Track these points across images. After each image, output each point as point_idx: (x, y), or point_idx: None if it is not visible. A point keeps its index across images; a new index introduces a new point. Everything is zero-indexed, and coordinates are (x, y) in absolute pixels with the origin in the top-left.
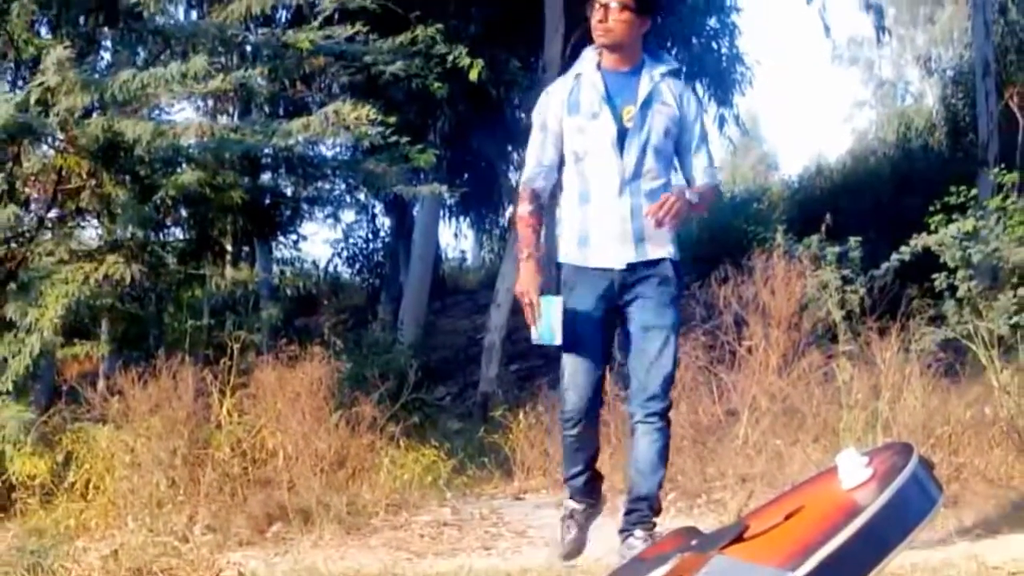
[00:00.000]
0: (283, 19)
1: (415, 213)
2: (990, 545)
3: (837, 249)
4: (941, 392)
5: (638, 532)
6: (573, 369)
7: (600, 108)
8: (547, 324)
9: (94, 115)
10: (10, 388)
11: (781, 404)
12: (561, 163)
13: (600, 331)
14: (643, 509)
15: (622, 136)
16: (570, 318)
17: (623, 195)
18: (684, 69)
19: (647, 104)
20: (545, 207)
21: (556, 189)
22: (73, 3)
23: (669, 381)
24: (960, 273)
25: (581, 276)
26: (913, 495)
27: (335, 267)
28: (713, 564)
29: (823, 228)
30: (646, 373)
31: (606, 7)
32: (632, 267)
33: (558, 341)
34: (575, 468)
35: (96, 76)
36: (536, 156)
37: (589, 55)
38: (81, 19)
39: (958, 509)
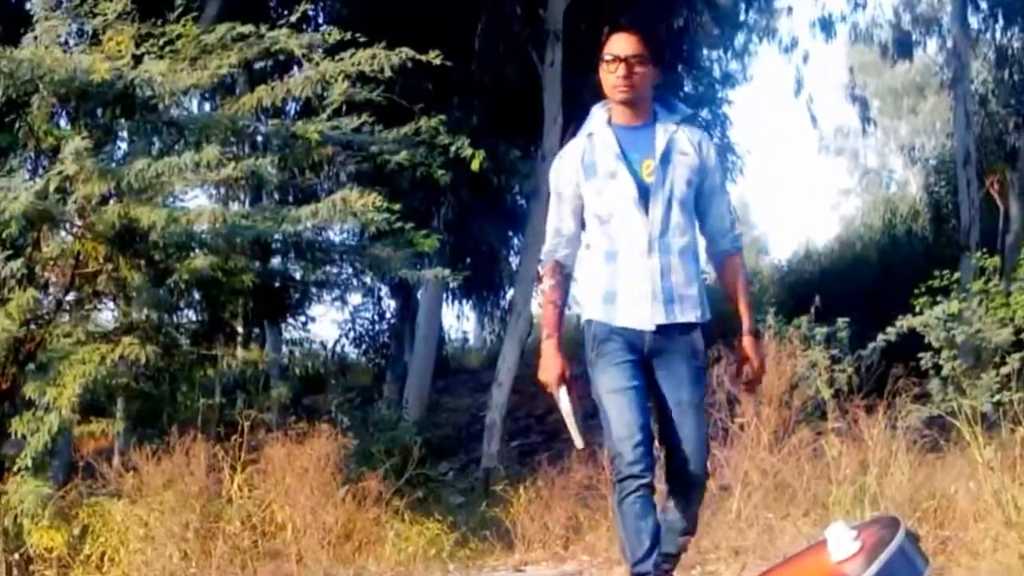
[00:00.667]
0: (293, 111)
1: (419, 296)
2: None
3: (825, 330)
4: (927, 467)
5: None
6: (620, 419)
7: (617, 167)
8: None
9: (111, 202)
10: (29, 464)
11: (772, 479)
12: (582, 228)
13: (639, 376)
14: (669, 564)
15: (644, 192)
16: (606, 369)
17: (652, 254)
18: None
19: (666, 157)
20: (571, 279)
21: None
22: (91, 96)
23: (706, 457)
24: (944, 353)
25: (608, 334)
26: (900, 567)
27: (342, 347)
28: None
29: (812, 310)
30: (680, 449)
31: (627, 62)
32: (662, 329)
33: (578, 443)
34: (642, 550)
35: (113, 165)
36: (554, 226)
37: (598, 113)
38: (99, 111)
39: None
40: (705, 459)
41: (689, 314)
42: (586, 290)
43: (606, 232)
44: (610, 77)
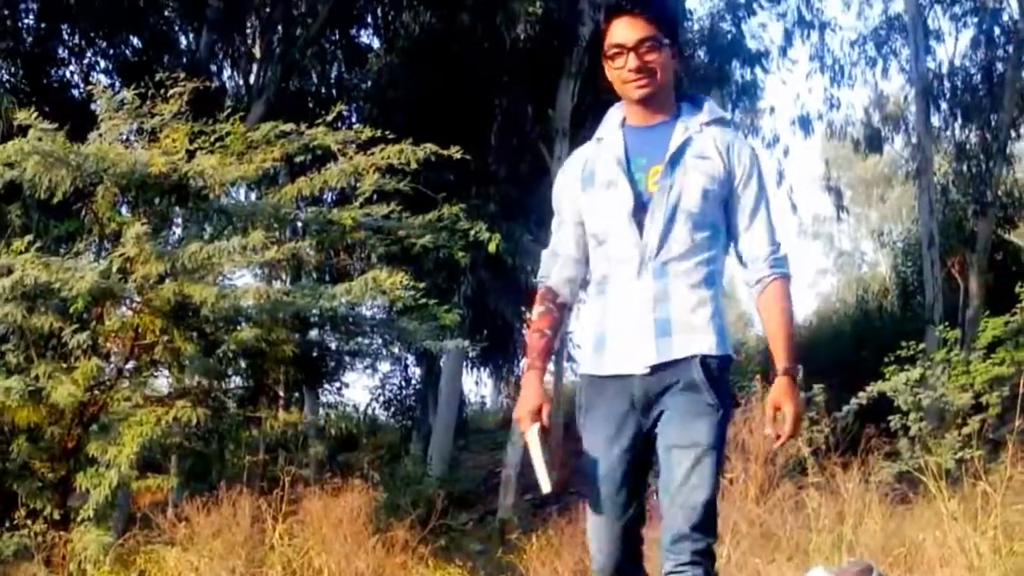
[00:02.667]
0: (329, 199)
1: (442, 364)
2: None
3: (805, 395)
4: (897, 518)
5: None
6: (594, 519)
7: (616, 175)
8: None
9: (167, 281)
10: (91, 515)
11: (759, 528)
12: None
13: (624, 466)
14: None
15: (643, 205)
16: (590, 442)
17: (642, 277)
18: None
19: (676, 160)
20: (567, 308)
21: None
22: (149, 187)
23: (704, 514)
24: (912, 415)
25: (597, 391)
26: None
27: (373, 410)
28: None
29: None
30: (671, 505)
31: (637, 51)
32: (656, 370)
33: (544, 487)
34: None
35: (168, 248)
36: (551, 247)
37: (614, 114)
38: (156, 200)
39: None
40: (702, 520)
41: (694, 346)
42: (585, 338)
43: (604, 256)
44: (619, 73)
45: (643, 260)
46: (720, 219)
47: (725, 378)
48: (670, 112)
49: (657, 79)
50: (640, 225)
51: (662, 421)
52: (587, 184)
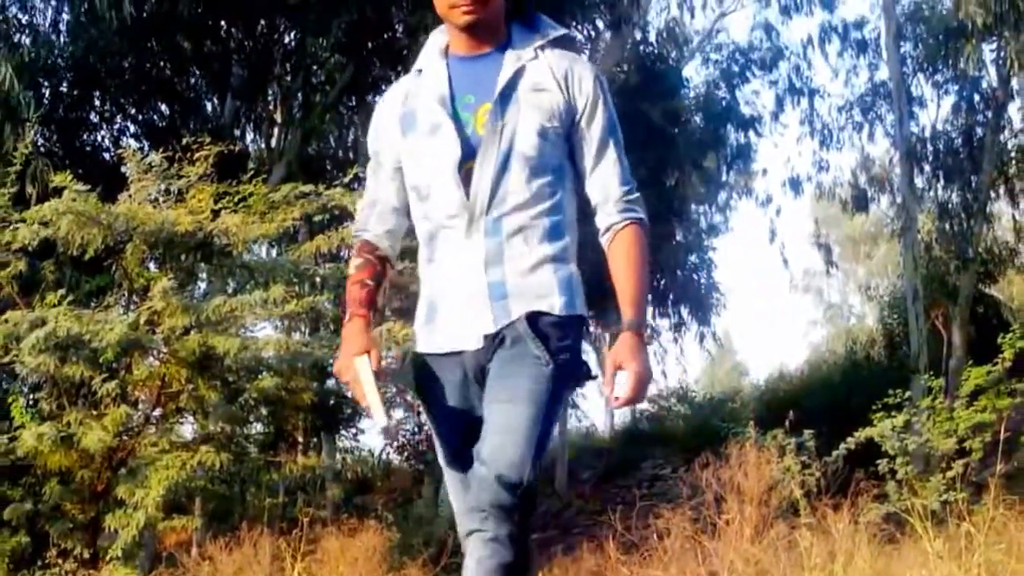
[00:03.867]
0: (346, 256)
1: None
2: None
3: (797, 440)
4: (885, 557)
5: None
6: (453, 487)
7: (440, 117)
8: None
9: (192, 333)
10: (120, 554)
11: (754, 567)
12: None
13: (472, 440)
14: None
15: (471, 152)
16: (434, 429)
17: (472, 236)
18: (671, 295)
19: (507, 95)
20: (387, 260)
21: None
22: (176, 244)
23: (514, 484)
24: (899, 459)
25: (434, 366)
26: None
27: (387, 454)
28: None
29: (786, 423)
30: (478, 472)
31: None
32: (494, 339)
33: (378, 419)
34: None
35: (194, 302)
36: (368, 195)
37: (436, 39)
38: (182, 257)
39: None
40: (511, 487)
41: (534, 304)
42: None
43: (426, 214)
44: None
45: (472, 217)
46: (563, 161)
47: (568, 337)
48: (501, 39)
49: (487, 4)
50: (468, 176)
51: (487, 382)
52: (408, 127)
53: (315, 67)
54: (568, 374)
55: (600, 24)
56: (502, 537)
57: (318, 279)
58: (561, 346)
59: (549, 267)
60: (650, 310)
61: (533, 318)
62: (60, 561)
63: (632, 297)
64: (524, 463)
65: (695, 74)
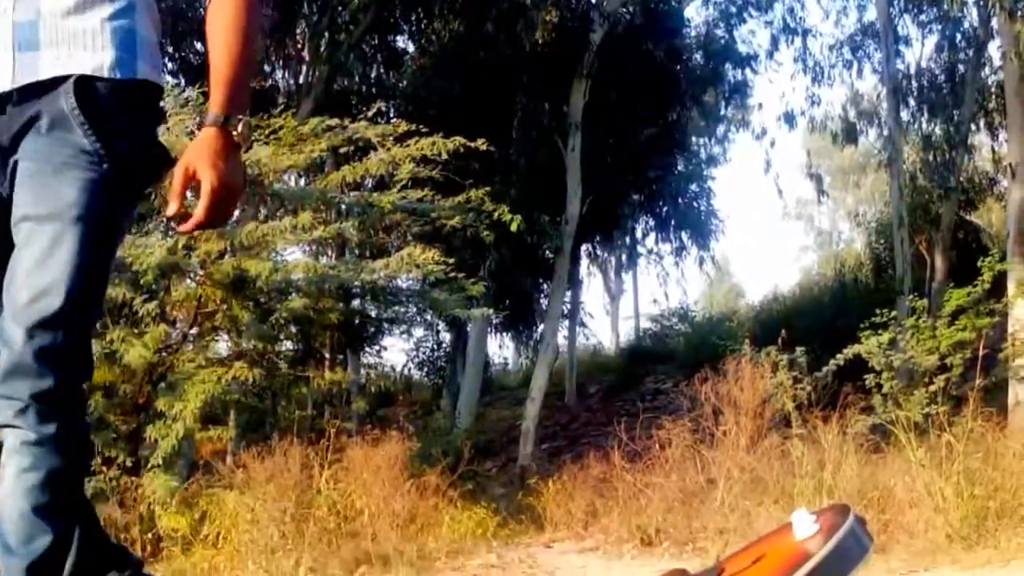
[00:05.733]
0: (369, 184)
1: (469, 330)
2: None
3: (789, 356)
4: (871, 465)
5: None
6: None
7: None
8: None
9: (226, 257)
10: (160, 462)
11: (749, 474)
12: None
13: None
14: None
15: None
16: None
17: None
18: (672, 222)
19: None
20: None
21: None
22: None
23: (56, 333)
24: (884, 374)
25: None
26: (851, 544)
27: (408, 370)
28: None
29: (779, 341)
30: (8, 316)
31: None
32: (20, 100)
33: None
34: None
35: (228, 228)
36: None
37: None
38: None
39: (886, 555)
40: (51, 338)
41: (73, 64)
42: None
43: None
44: None
45: None
46: None
47: (128, 113)
48: None
49: None
50: None
51: (15, 184)
52: None
53: (340, 8)
54: (130, 173)
55: None
56: (46, 439)
57: (343, 207)
58: (118, 129)
59: (100, 12)
60: (652, 235)
61: (83, 89)
62: (104, 469)
63: (225, 78)
64: (69, 319)
65: (696, 15)
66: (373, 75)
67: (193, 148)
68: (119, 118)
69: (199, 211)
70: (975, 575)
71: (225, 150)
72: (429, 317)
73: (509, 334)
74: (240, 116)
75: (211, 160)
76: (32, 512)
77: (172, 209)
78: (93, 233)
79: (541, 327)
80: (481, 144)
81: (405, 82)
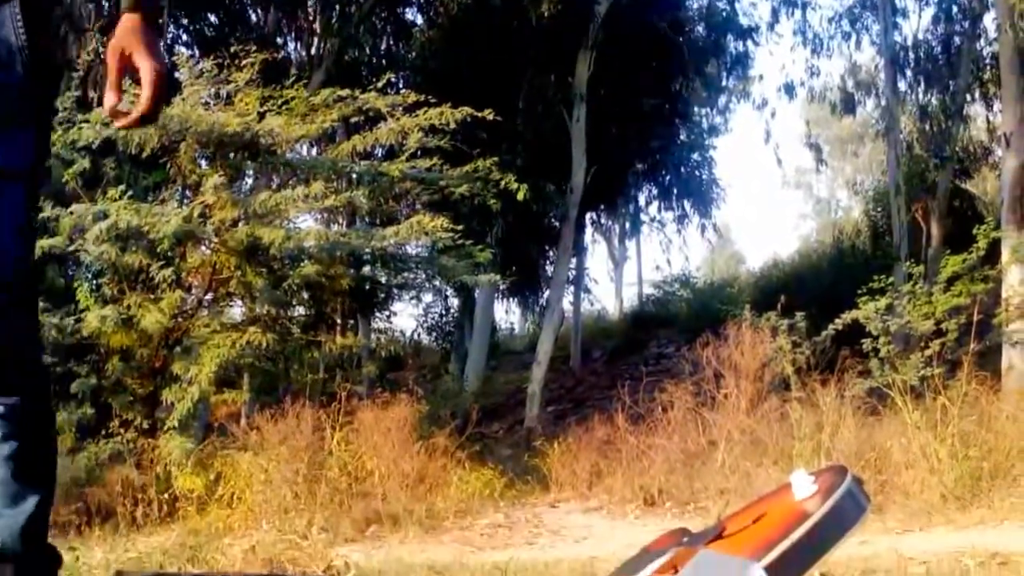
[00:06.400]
0: (379, 154)
1: (476, 296)
2: (906, 541)
3: (789, 322)
4: (868, 427)
5: None
6: None
7: None
8: None
9: (240, 224)
10: (176, 425)
11: (749, 436)
12: None
13: None
14: None
15: None
16: None
17: None
18: (675, 190)
19: None
20: None
21: None
22: (225, 144)
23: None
24: (881, 339)
25: None
26: (848, 505)
27: (417, 334)
28: (700, 556)
29: (779, 306)
30: None
31: None
32: None
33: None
34: None
35: (242, 196)
36: None
37: None
38: (231, 155)
39: (882, 515)
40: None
41: None
42: None
43: None
44: None
45: None
46: None
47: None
48: None
49: None
50: None
51: None
52: None
53: None
54: None
55: None
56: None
57: (354, 175)
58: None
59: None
60: (655, 203)
61: None
62: (122, 431)
63: None
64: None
65: None
66: (383, 47)
67: (122, 36)
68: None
69: (145, 102)
70: (969, 534)
71: (154, 35)
72: (438, 283)
73: (515, 300)
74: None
75: (147, 47)
76: (12, 478)
77: (110, 101)
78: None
79: (547, 293)
80: (488, 114)
81: (414, 54)
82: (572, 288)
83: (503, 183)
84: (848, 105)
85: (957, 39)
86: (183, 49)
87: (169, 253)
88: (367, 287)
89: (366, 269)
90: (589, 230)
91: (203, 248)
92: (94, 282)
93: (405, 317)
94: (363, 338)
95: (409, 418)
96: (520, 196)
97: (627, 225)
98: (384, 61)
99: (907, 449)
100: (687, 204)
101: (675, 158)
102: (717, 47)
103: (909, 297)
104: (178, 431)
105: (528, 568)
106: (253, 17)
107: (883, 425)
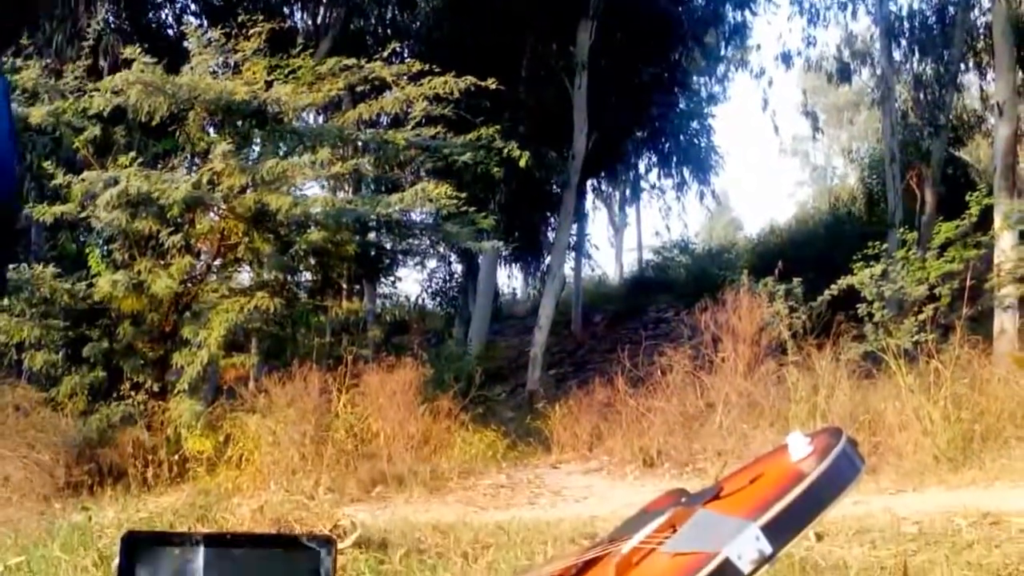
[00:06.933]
0: (385, 122)
1: (480, 261)
2: (899, 501)
3: (785, 287)
4: (863, 390)
5: None
6: None
7: None
8: None
9: (248, 191)
10: (186, 388)
11: (746, 399)
12: None
13: None
14: None
15: None
16: None
17: None
18: (674, 157)
19: None
20: None
21: None
22: (233, 112)
23: None
24: (876, 304)
25: None
26: (843, 465)
27: (422, 300)
28: (698, 516)
29: (776, 272)
30: None
31: None
32: None
33: None
34: None
35: (250, 163)
36: None
37: None
38: (239, 123)
39: (876, 476)
40: None
41: None
42: None
43: None
44: None
45: None
46: None
47: None
48: None
49: None
50: None
51: None
52: None
53: None
54: None
55: None
56: None
57: (360, 143)
58: None
59: None
60: (655, 170)
61: None
62: (133, 393)
63: None
64: None
65: None
66: (388, 16)
67: None
68: None
69: None
70: (961, 495)
71: None
72: (442, 249)
73: (518, 265)
74: None
75: None
76: None
77: None
78: None
79: (548, 258)
80: (491, 83)
81: (418, 23)
82: (573, 254)
83: (506, 151)
84: (844, 74)
85: (951, 9)
86: (192, 19)
87: (178, 219)
88: (372, 253)
89: (371, 235)
90: (590, 197)
91: (211, 214)
92: (105, 248)
93: (410, 282)
94: (368, 303)
95: (414, 381)
96: (522, 163)
97: (627, 192)
98: (389, 31)
99: (900, 412)
100: (686, 171)
101: (674, 126)
102: (716, 17)
103: (903, 263)
104: (188, 394)
105: (530, 527)
106: None
107: (877, 388)
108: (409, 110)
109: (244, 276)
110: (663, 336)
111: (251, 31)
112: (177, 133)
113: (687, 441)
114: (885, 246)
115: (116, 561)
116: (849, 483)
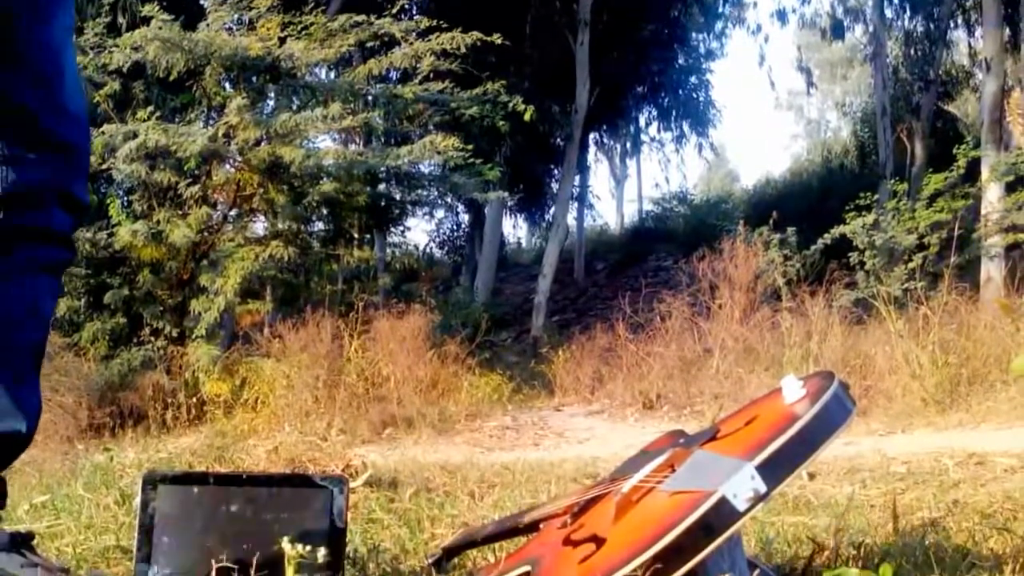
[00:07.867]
0: (394, 77)
1: (486, 211)
2: (889, 442)
3: (780, 236)
4: (854, 335)
5: None
6: None
7: None
8: None
9: (262, 144)
10: (203, 333)
11: (742, 344)
12: None
13: None
14: None
15: None
16: None
17: None
18: (674, 111)
19: None
20: None
21: None
22: (248, 67)
23: None
24: (867, 252)
25: None
26: (835, 408)
27: (430, 249)
28: (695, 456)
29: (771, 222)
30: None
31: None
32: None
33: None
34: None
35: (264, 117)
36: None
37: None
38: (253, 78)
39: (866, 418)
40: None
41: None
42: None
43: None
44: None
45: None
46: None
47: None
48: None
49: None
50: None
51: None
52: None
53: None
54: None
55: None
56: None
57: (370, 98)
58: None
59: None
60: (655, 124)
61: None
62: (152, 339)
63: None
64: None
65: None
66: None
67: None
68: None
69: None
70: (948, 436)
71: None
72: (449, 200)
73: (523, 215)
74: None
75: None
76: None
77: None
78: None
79: (552, 209)
80: (497, 39)
81: None
82: (576, 204)
83: (511, 105)
84: (837, 30)
85: None
86: None
87: (195, 171)
88: (382, 203)
89: (381, 186)
90: (592, 149)
91: (227, 166)
92: (125, 199)
93: (418, 232)
94: (379, 252)
95: (422, 327)
96: (527, 117)
97: (628, 145)
98: None
99: (890, 356)
100: (685, 125)
101: (674, 81)
102: None
103: (893, 213)
104: (205, 339)
105: (534, 467)
106: None
107: (868, 334)
108: (417, 65)
109: (259, 226)
110: (662, 284)
111: None
112: (194, 88)
113: (685, 385)
114: (876, 197)
115: (137, 499)
116: (841, 425)
